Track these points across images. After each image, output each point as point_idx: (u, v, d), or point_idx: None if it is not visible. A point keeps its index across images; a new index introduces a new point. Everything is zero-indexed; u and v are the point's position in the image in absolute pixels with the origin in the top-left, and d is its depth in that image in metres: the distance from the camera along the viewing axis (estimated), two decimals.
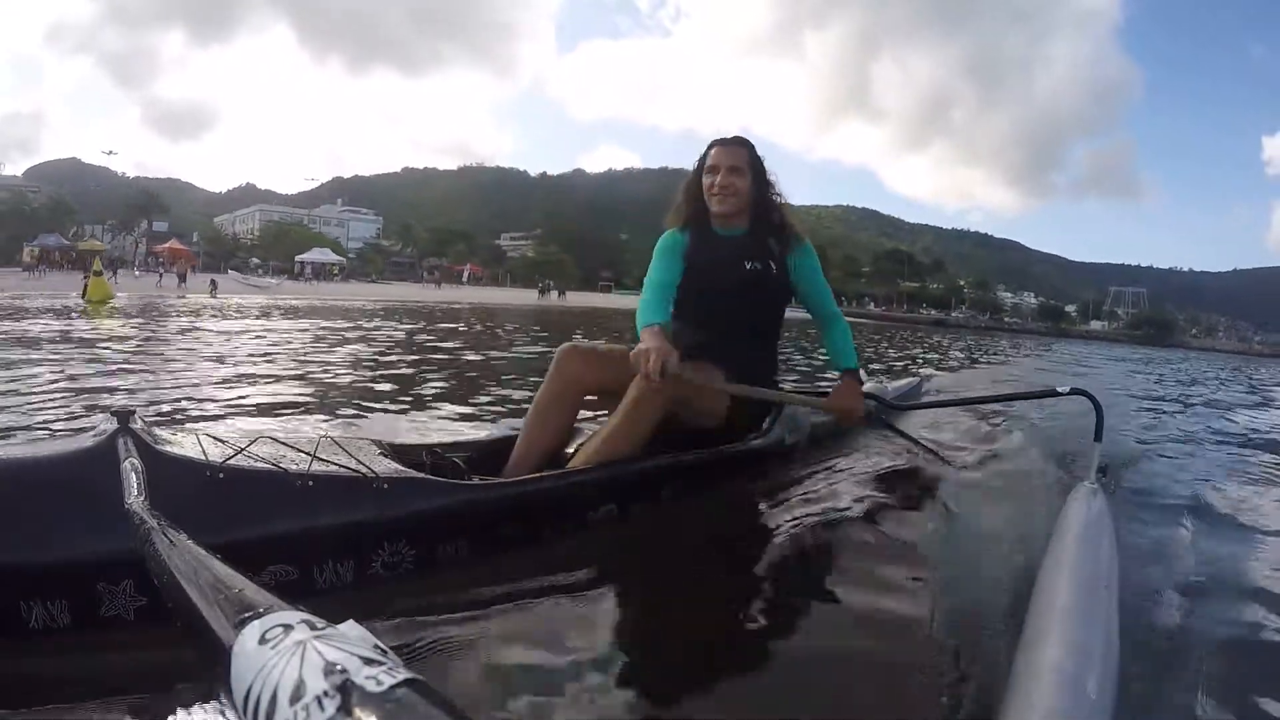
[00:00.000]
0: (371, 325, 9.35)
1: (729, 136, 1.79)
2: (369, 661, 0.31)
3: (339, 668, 0.31)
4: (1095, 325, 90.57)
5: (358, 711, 0.29)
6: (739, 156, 1.73)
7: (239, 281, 27.17)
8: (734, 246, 1.75)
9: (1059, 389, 2.02)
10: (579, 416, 1.74)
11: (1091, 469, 1.73)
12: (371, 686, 0.30)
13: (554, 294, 38.44)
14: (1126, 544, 1.49)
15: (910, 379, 4.25)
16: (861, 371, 1.98)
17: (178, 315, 10.02)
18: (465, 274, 57.07)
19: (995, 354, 12.26)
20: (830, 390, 1.88)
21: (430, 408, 3.19)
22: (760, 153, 1.78)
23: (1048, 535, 1.36)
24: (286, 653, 0.33)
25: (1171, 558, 1.63)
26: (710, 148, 1.77)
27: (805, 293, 1.82)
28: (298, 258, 48.80)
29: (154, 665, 0.88)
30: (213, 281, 21.69)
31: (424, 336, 7.91)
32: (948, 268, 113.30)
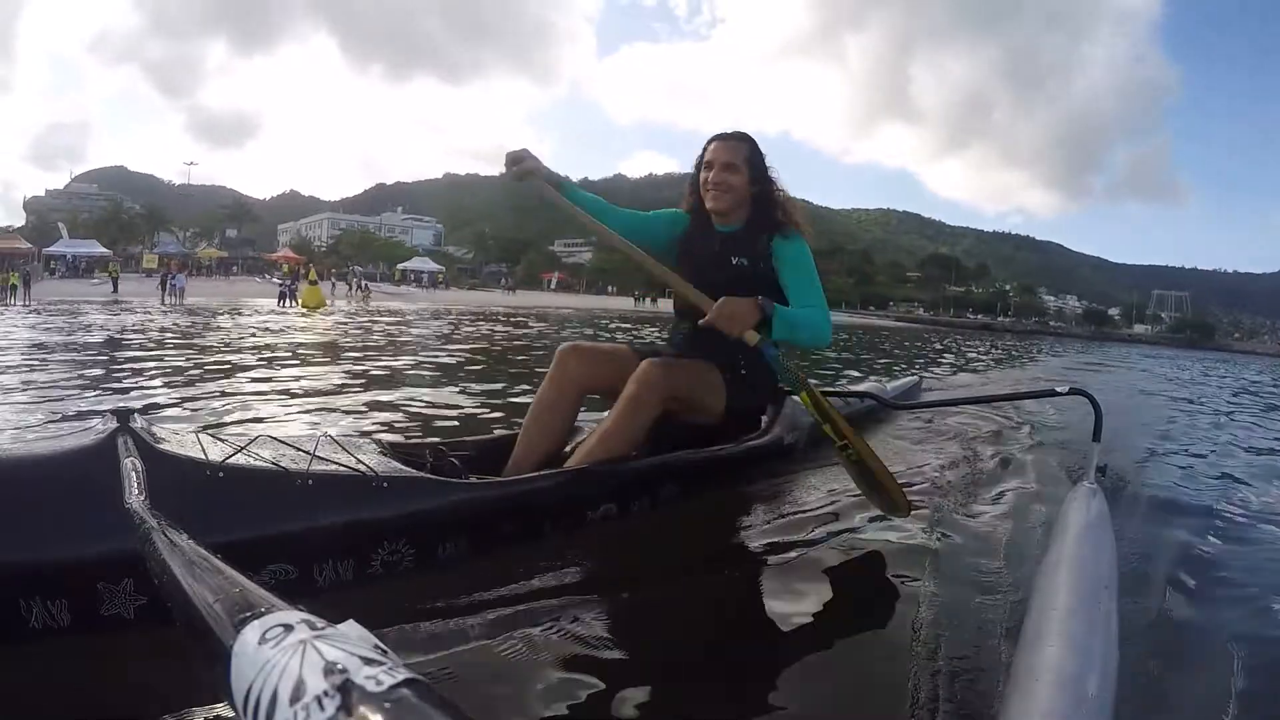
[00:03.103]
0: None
1: (730, 131, 1.76)
2: (369, 661, 0.31)
3: (339, 667, 0.31)
4: (1139, 329, 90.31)
5: (358, 711, 0.29)
6: (736, 153, 1.71)
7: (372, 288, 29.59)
8: (725, 242, 1.74)
9: (1058, 389, 2.01)
10: (579, 416, 1.74)
11: (1091, 469, 1.73)
12: (371, 686, 0.30)
13: (648, 301, 39.36)
14: (1126, 544, 1.49)
15: (909, 378, 4.25)
16: (870, 383, 1.92)
17: (408, 319, 12.14)
18: (554, 281, 58.79)
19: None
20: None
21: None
22: (765, 148, 1.74)
23: (1047, 535, 1.37)
24: (287, 653, 0.33)
25: (1171, 557, 1.64)
26: (709, 142, 1.75)
27: (783, 281, 1.69)
28: (399, 266, 51.41)
29: (154, 664, 0.89)
30: (366, 287, 23.25)
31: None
32: (991, 271, 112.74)
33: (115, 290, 18.26)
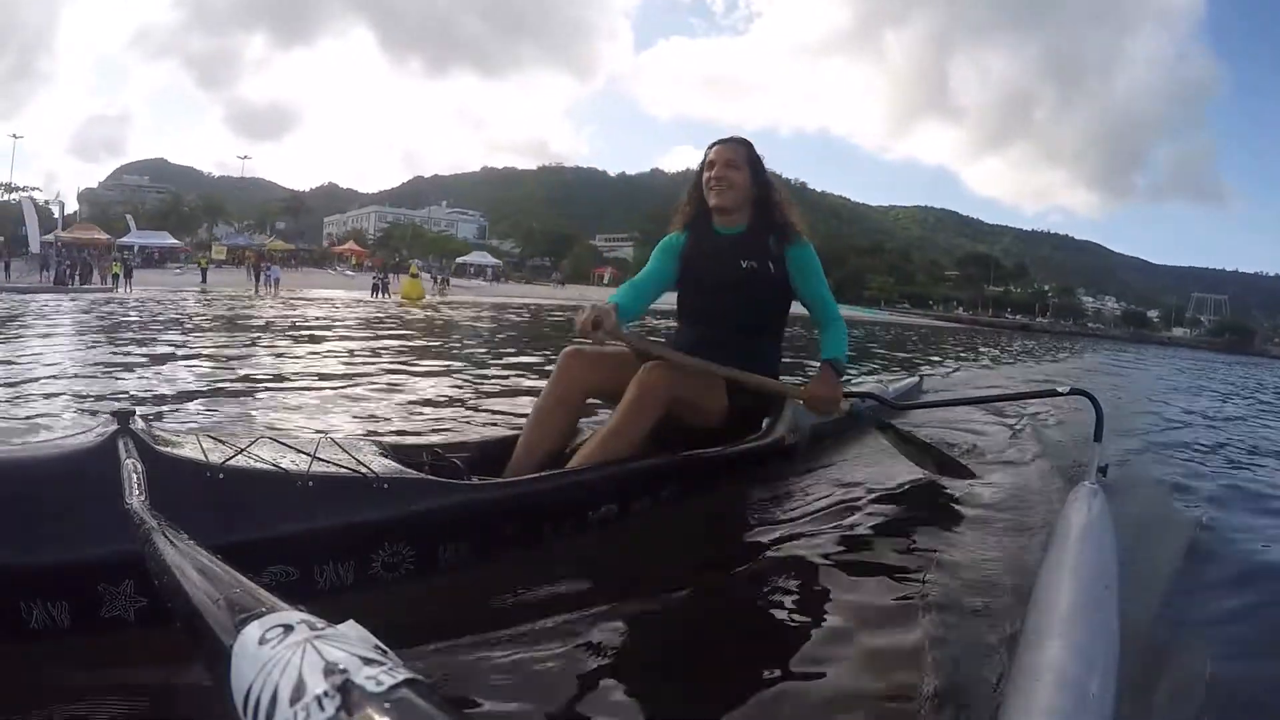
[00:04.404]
0: None
1: (729, 137, 1.83)
2: (369, 661, 0.31)
3: (339, 668, 0.31)
4: (1178, 332, 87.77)
5: (358, 711, 0.29)
6: (736, 153, 1.78)
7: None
8: (731, 244, 1.77)
9: (1059, 389, 2.01)
10: (579, 419, 1.74)
11: (1091, 469, 1.72)
12: (371, 686, 0.30)
13: None
14: (1126, 544, 1.49)
15: (910, 378, 4.25)
16: (871, 383, 1.97)
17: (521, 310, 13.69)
18: (606, 276, 58.02)
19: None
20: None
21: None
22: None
23: (1048, 536, 1.36)
24: (287, 653, 0.33)
25: (1172, 557, 1.63)
26: (710, 147, 1.83)
27: (802, 291, 1.82)
28: (459, 259, 52.38)
29: (154, 666, 0.89)
30: (447, 280, 24.15)
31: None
32: (1029, 271, 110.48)
33: (204, 280, 18.34)
